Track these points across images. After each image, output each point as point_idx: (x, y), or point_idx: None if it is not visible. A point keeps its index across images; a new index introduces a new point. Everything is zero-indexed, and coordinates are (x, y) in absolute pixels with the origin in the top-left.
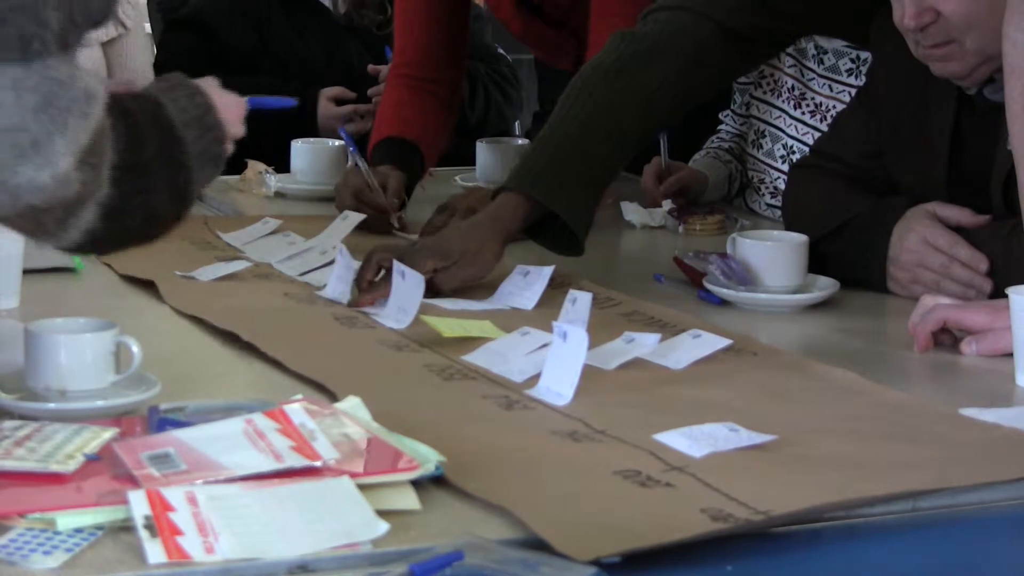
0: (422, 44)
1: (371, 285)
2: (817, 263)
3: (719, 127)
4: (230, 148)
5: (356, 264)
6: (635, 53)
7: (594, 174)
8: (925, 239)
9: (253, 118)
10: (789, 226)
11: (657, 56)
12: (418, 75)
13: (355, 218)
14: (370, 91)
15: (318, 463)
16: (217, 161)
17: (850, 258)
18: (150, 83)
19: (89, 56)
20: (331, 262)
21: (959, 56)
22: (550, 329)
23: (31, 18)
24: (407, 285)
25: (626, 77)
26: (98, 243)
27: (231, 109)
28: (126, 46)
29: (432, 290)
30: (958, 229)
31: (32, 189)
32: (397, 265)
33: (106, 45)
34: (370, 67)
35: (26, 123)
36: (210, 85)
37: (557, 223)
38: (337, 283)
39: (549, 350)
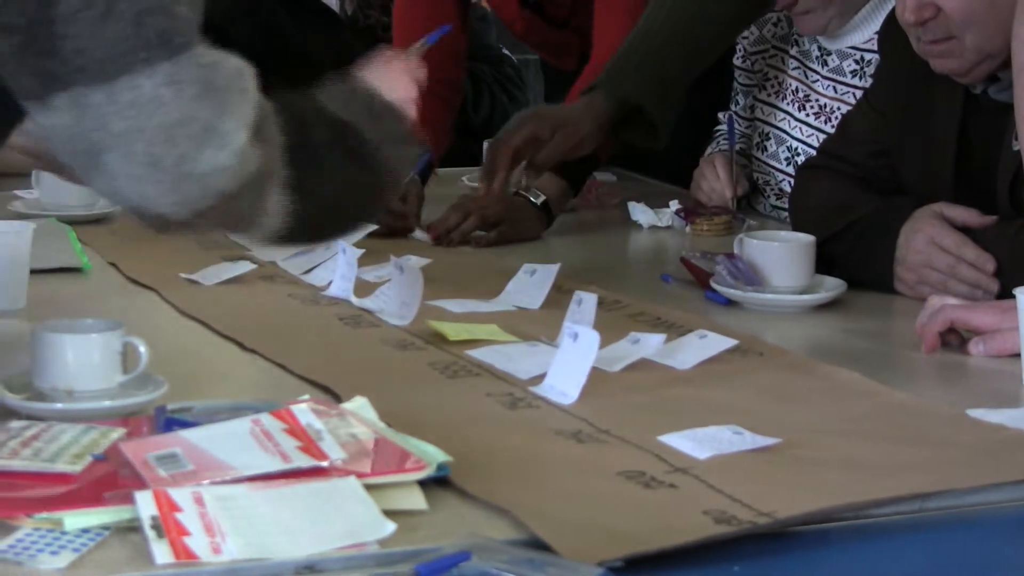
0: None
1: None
2: (824, 264)
3: (718, 127)
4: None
5: (357, 258)
6: None
7: (674, 76)
8: (932, 240)
9: None
10: (796, 227)
11: None
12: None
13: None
14: None
15: (325, 463)
16: (406, 138)
17: (857, 258)
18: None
19: None
20: (333, 255)
21: (958, 52)
22: (557, 333)
23: (165, 15)
24: (406, 279)
25: None
26: (306, 226)
27: (398, 81)
28: None
29: (534, 167)
30: (965, 230)
31: (217, 172)
32: (395, 260)
33: None
34: None
35: (192, 112)
36: (370, 69)
37: (640, 119)
38: (341, 282)
39: (558, 350)
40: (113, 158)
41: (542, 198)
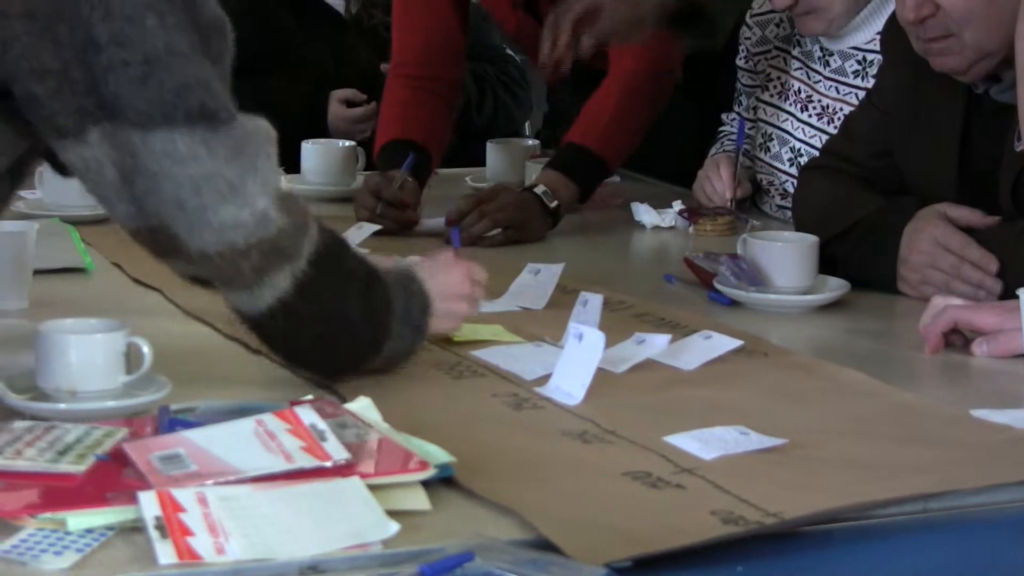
0: (422, 42)
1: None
2: (827, 264)
3: (721, 128)
4: (438, 325)
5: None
6: None
7: None
8: (935, 240)
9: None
10: (799, 227)
11: None
12: (419, 74)
13: (369, 228)
14: None
15: (328, 464)
16: (419, 330)
17: (860, 259)
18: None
19: None
20: None
21: (957, 50)
22: (562, 333)
23: (205, 91)
24: None
25: None
26: (287, 319)
27: (452, 286)
28: None
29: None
30: (968, 230)
31: (234, 225)
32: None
33: None
34: (383, 66)
35: (220, 170)
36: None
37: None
38: None
39: (563, 350)
40: (140, 186)
41: (556, 203)
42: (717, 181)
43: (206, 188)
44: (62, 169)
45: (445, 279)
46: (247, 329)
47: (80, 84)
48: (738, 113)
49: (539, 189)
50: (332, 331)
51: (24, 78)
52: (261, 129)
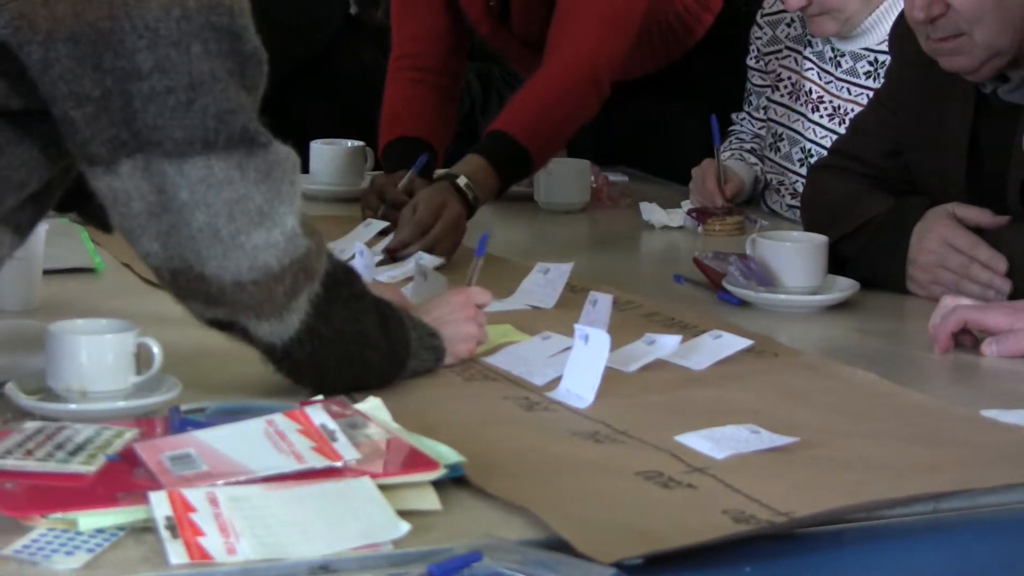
0: (422, 35)
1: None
2: (836, 264)
3: (731, 128)
4: (454, 350)
5: (375, 261)
6: None
7: None
8: (945, 240)
9: (274, 124)
10: (808, 226)
11: None
12: (420, 67)
13: (377, 225)
14: None
15: (339, 464)
16: (436, 350)
17: (869, 258)
18: None
19: None
20: (351, 258)
21: (968, 49)
22: (571, 331)
23: (246, 115)
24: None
25: None
26: (312, 342)
27: (456, 313)
28: None
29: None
30: (977, 230)
31: (266, 247)
32: (418, 265)
33: None
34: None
35: (251, 194)
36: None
37: None
38: None
39: (570, 353)
40: (166, 221)
41: (474, 195)
42: (705, 191)
43: (239, 212)
44: (88, 200)
45: (446, 310)
46: (276, 363)
47: (118, 113)
48: (747, 112)
49: (461, 181)
50: (356, 350)
51: (62, 100)
52: (291, 155)
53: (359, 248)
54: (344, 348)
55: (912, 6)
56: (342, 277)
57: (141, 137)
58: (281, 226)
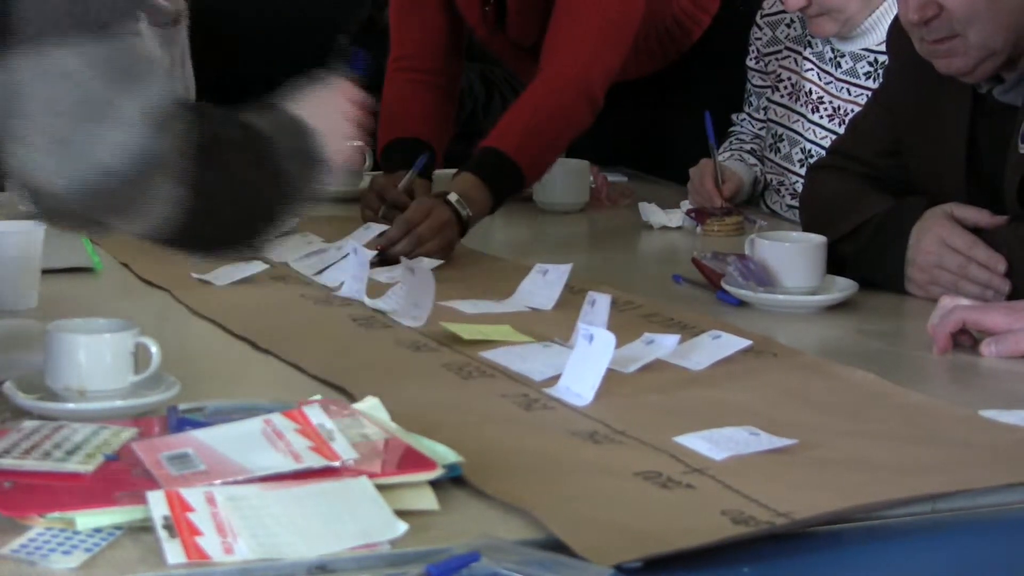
0: (421, 37)
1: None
2: (834, 264)
3: (731, 129)
4: (337, 147)
5: (369, 258)
6: None
7: None
8: (943, 240)
9: None
10: (807, 227)
11: None
12: (419, 68)
13: (376, 228)
14: None
15: (337, 463)
16: (316, 160)
17: (868, 259)
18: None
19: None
20: (345, 257)
21: (962, 51)
22: (570, 334)
23: (106, 4)
24: (418, 280)
25: None
26: (198, 225)
27: (332, 108)
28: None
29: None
30: (976, 230)
31: (116, 148)
32: (406, 261)
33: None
34: None
35: (100, 90)
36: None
37: None
38: (352, 282)
39: (572, 351)
40: (21, 125)
41: (468, 212)
42: (704, 192)
43: (86, 110)
44: None
45: (325, 111)
46: (151, 241)
47: None
48: (747, 113)
49: (452, 197)
50: (238, 208)
51: None
52: (143, 49)
53: (353, 247)
54: (230, 209)
55: (906, 8)
56: (211, 135)
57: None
58: (129, 126)
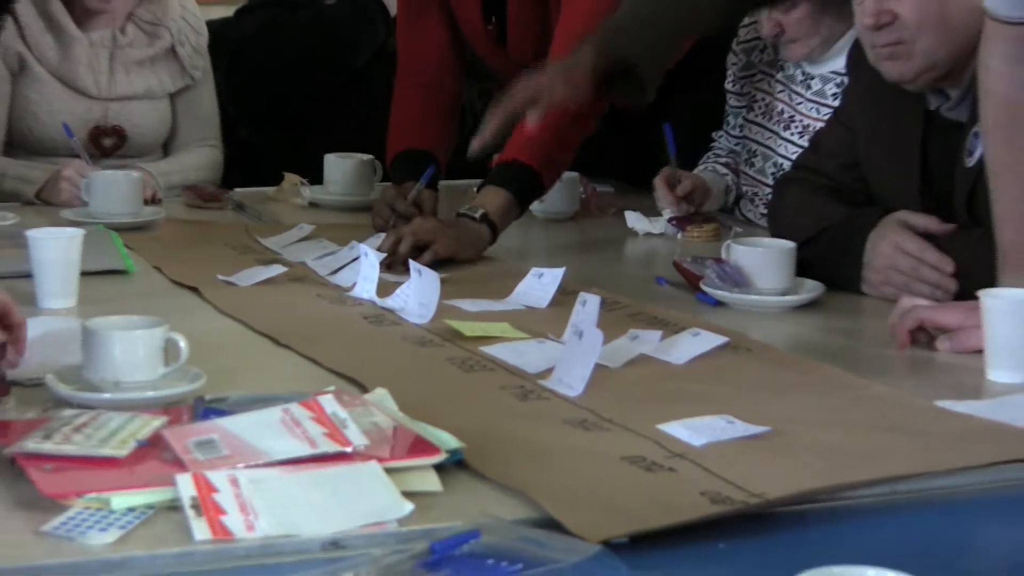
0: (425, 53)
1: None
2: (799, 267)
3: (711, 144)
4: None
5: (379, 258)
6: None
7: (666, 36)
8: (896, 244)
9: (289, 137)
10: (774, 233)
11: None
12: (424, 83)
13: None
14: None
15: (349, 449)
16: None
17: (828, 262)
18: None
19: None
20: (355, 260)
21: (907, 56)
22: (563, 332)
23: None
24: (424, 281)
25: None
26: None
27: None
28: (194, 96)
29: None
30: (927, 236)
31: None
32: (414, 264)
33: (175, 96)
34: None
35: None
36: None
37: (630, 75)
38: (364, 283)
39: (565, 346)
40: None
41: (481, 211)
42: (661, 200)
43: None
44: None
45: None
46: None
47: None
48: (726, 131)
49: (462, 209)
50: None
51: None
52: None
53: (364, 250)
54: None
55: (862, 13)
56: None
57: None
58: None
